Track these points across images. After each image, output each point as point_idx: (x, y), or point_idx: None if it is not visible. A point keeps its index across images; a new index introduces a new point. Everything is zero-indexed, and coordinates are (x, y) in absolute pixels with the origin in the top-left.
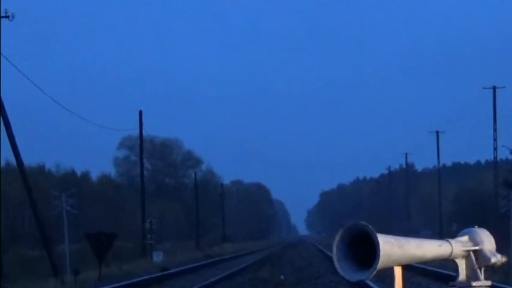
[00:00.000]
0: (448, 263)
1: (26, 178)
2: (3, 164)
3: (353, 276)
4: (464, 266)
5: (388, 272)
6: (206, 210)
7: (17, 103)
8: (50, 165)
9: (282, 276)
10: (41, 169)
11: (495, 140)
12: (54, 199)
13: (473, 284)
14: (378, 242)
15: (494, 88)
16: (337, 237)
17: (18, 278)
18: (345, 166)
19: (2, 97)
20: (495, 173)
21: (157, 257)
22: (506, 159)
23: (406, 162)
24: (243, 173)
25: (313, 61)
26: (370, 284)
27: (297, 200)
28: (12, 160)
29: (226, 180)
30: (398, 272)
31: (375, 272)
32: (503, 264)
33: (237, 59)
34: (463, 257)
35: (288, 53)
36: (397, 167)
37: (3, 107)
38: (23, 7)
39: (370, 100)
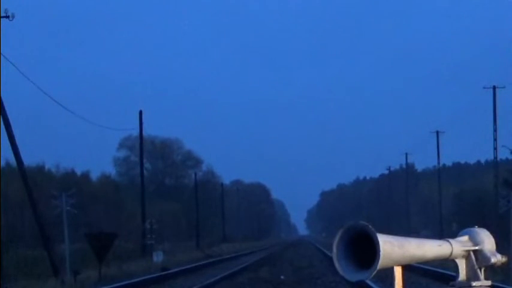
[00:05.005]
0: (448, 263)
1: (26, 178)
2: (3, 164)
3: (353, 276)
4: (464, 266)
5: (388, 272)
6: (206, 210)
7: (17, 103)
8: (50, 165)
9: (282, 276)
10: (41, 169)
11: (495, 140)
12: (54, 199)
13: (473, 284)
14: (378, 242)
15: (494, 88)
16: (337, 237)
17: (18, 278)
18: (345, 166)
19: (2, 97)
20: (495, 173)
21: (157, 257)
22: (506, 159)
23: (406, 162)
24: (243, 173)
25: (313, 62)
26: (370, 284)
27: (297, 200)
28: (12, 160)
29: (226, 180)
30: (398, 272)
31: (375, 272)
32: (503, 264)
33: (237, 59)
34: (463, 257)
35: (288, 54)
36: (397, 167)
37: (3, 107)
38: (23, 7)
39: (370, 100)
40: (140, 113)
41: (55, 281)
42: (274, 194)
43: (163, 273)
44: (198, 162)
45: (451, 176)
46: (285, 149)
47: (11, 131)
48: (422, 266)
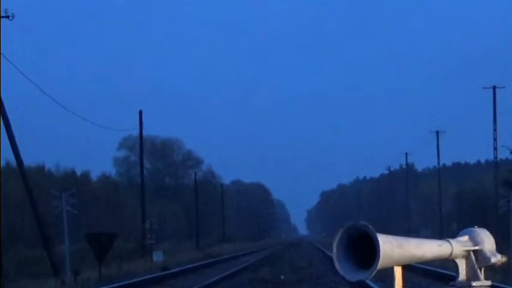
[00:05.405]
0: (448, 263)
1: (26, 178)
2: (3, 164)
3: (353, 276)
4: (464, 266)
5: (388, 272)
6: (206, 210)
7: (17, 103)
8: (50, 165)
9: (282, 276)
10: (41, 169)
11: (495, 140)
12: (54, 199)
13: (473, 284)
14: (378, 242)
15: (494, 88)
16: (337, 237)
17: (18, 278)
18: (345, 166)
19: (2, 97)
20: (495, 173)
21: (157, 257)
22: (506, 159)
23: (406, 162)
24: (243, 173)
25: (313, 61)
26: (370, 284)
27: (297, 200)
28: (12, 160)
29: (226, 180)
30: (398, 272)
31: (375, 272)
32: (503, 264)
33: (237, 59)
34: (463, 257)
35: (288, 54)
36: (397, 167)
37: (3, 107)
38: (23, 7)
39: (370, 100)
40: (140, 113)
41: (55, 281)
42: (274, 194)
43: (163, 273)
44: (198, 162)
45: (451, 176)
46: (285, 149)
47: (11, 131)
48: (422, 266)
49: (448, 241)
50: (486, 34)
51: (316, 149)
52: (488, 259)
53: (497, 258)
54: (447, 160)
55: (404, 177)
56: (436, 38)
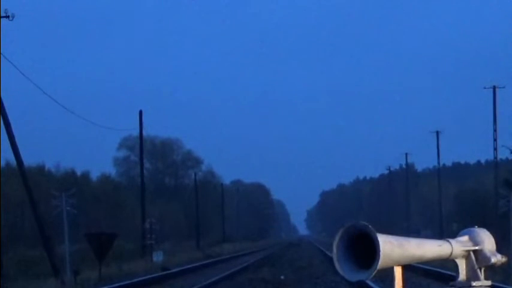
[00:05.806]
0: (448, 263)
1: (26, 178)
2: (3, 164)
3: (353, 276)
4: (464, 266)
5: (388, 272)
6: (206, 210)
7: (17, 103)
8: (50, 165)
9: (282, 276)
10: (41, 169)
11: (495, 140)
12: (54, 199)
13: (473, 284)
14: (378, 242)
15: (494, 88)
16: (337, 237)
17: (18, 278)
18: (345, 166)
19: (2, 97)
20: (495, 173)
21: (157, 257)
22: (506, 159)
23: (406, 162)
24: (243, 173)
25: (313, 61)
26: (370, 284)
27: (297, 200)
28: (12, 160)
29: (226, 180)
30: (398, 272)
31: (375, 272)
32: (503, 264)
33: (237, 59)
34: (463, 257)
35: (288, 54)
36: (397, 167)
37: (3, 107)
38: (24, 7)
39: (370, 100)
40: (140, 113)
41: (55, 281)
42: (274, 194)
43: (163, 273)
44: (198, 162)
45: (451, 176)
46: (285, 149)
47: (11, 131)
48: (422, 266)
49: (448, 241)
50: (486, 34)
51: (316, 149)
52: (488, 259)
53: (497, 258)
54: (447, 160)
55: (404, 177)
56: (436, 38)
